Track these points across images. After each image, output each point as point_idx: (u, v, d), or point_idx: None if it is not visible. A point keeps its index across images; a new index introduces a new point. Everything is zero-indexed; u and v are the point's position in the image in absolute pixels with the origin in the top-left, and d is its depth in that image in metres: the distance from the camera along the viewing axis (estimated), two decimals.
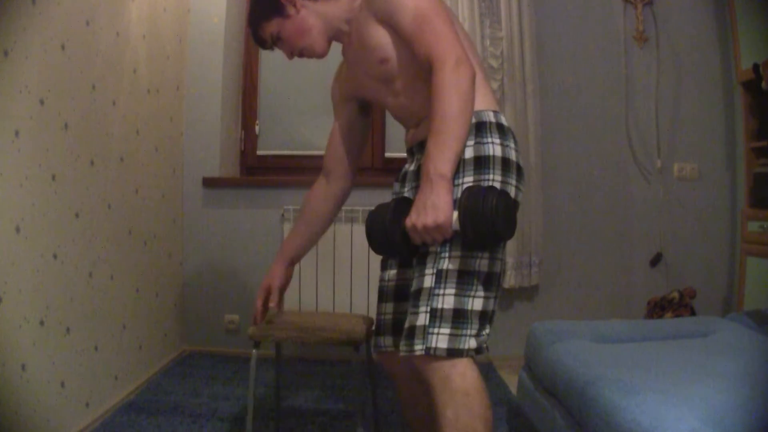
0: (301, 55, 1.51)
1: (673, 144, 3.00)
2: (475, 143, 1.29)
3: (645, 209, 3.01)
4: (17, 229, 1.64)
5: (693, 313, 2.70)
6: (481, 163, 1.27)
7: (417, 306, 1.23)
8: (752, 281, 2.66)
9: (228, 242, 2.96)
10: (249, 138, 3.17)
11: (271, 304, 1.56)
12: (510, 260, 2.85)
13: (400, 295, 1.42)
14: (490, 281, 1.25)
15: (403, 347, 1.23)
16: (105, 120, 2.14)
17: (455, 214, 1.17)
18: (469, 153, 1.28)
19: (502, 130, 1.33)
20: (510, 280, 2.85)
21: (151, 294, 2.59)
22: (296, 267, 2.60)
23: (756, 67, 2.56)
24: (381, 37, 1.37)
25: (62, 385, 1.87)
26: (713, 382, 1.31)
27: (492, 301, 1.26)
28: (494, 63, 2.83)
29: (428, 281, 1.22)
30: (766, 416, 1.16)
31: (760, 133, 2.71)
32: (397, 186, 1.50)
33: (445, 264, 1.22)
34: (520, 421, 2.04)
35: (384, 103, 1.50)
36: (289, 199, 2.88)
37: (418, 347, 1.19)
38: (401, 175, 1.50)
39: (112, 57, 2.18)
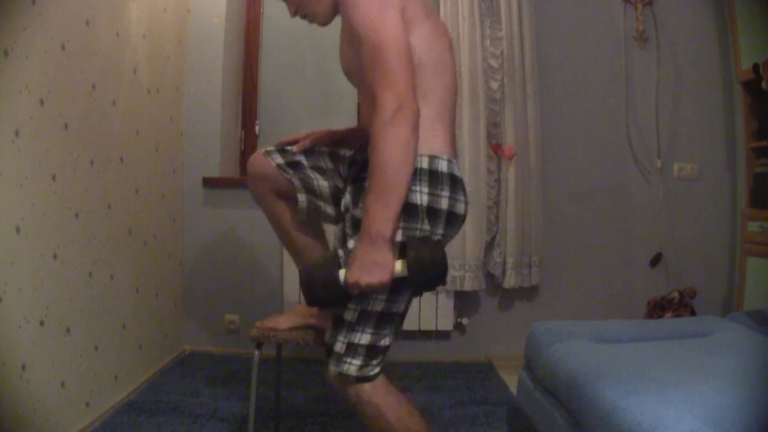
0: (304, 16, 1.47)
1: (673, 144, 3.00)
2: (429, 193, 1.29)
3: (645, 209, 3.01)
4: (17, 229, 1.64)
5: (693, 313, 2.70)
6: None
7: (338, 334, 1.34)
8: (752, 281, 2.66)
9: (228, 242, 2.96)
10: (249, 138, 3.18)
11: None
12: (510, 260, 2.85)
13: None
14: (388, 320, 1.33)
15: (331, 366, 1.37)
16: (105, 120, 2.14)
17: (399, 263, 1.22)
18: (425, 201, 1.29)
19: (434, 177, 1.30)
20: (510, 280, 2.85)
21: (151, 294, 2.59)
22: (296, 267, 2.59)
23: (756, 67, 2.56)
24: (347, 54, 1.38)
25: (62, 385, 1.87)
26: (713, 382, 1.31)
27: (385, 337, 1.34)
28: (494, 63, 2.83)
29: (349, 315, 1.31)
30: (766, 416, 1.16)
31: (760, 133, 2.71)
32: (350, 191, 1.40)
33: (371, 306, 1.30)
34: (520, 421, 2.04)
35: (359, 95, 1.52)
36: None
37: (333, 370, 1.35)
38: (360, 177, 1.39)
39: (112, 57, 2.18)
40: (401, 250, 1.25)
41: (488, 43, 2.83)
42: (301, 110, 3.18)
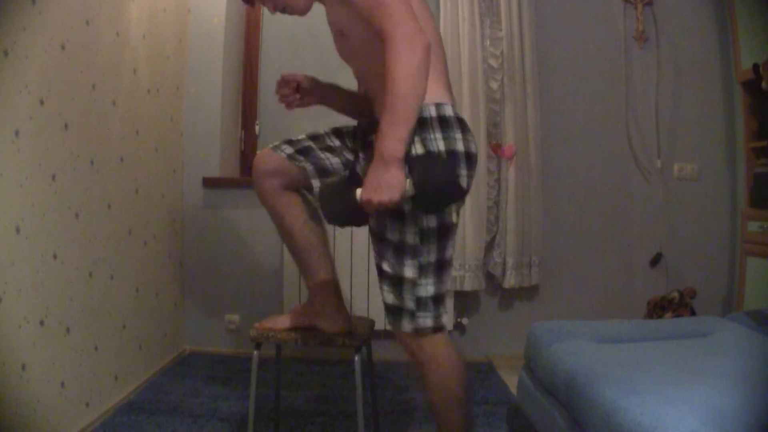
0: (283, 10, 1.50)
1: (673, 144, 3.00)
2: (422, 140, 1.34)
3: (645, 209, 3.01)
4: (17, 229, 1.64)
5: (693, 313, 2.70)
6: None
7: (402, 292, 1.40)
8: (752, 281, 2.66)
9: (228, 242, 2.96)
10: (249, 138, 3.18)
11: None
12: (510, 260, 2.85)
13: None
14: (444, 267, 1.42)
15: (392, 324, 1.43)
16: (105, 120, 2.14)
17: (407, 181, 1.27)
18: (420, 149, 1.34)
19: (444, 122, 1.37)
20: (510, 280, 2.85)
21: (151, 294, 2.59)
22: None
23: (756, 67, 2.56)
24: (340, 13, 1.38)
25: (62, 385, 1.87)
26: (713, 382, 1.31)
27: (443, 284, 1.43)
28: (494, 63, 2.83)
29: (410, 272, 1.38)
30: (766, 416, 1.16)
31: (760, 133, 2.71)
32: (363, 157, 1.48)
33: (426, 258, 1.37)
34: (520, 421, 2.04)
35: (352, 69, 1.54)
36: None
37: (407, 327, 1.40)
38: (368, 142, 1.47)
39: (112, 57, 2.18)
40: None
41: (488, 43, 2.83)
42: (301, 110, 3.17)
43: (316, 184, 1.58)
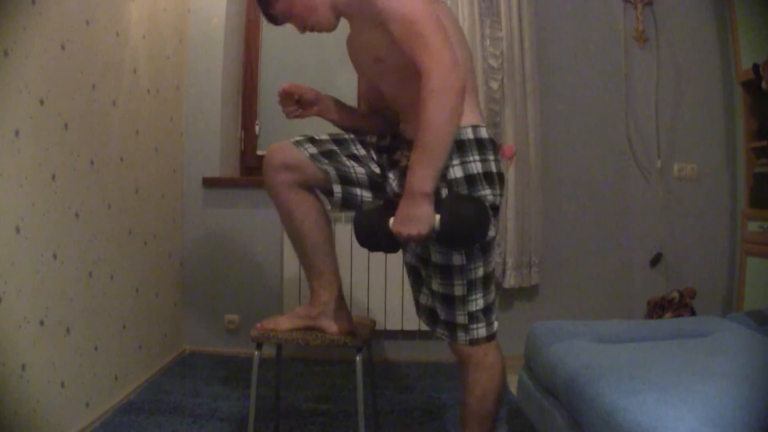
0: (312, 29, 1.54)
1: (673, 144, 3.00)
2: (461, 163, 1.40)
3: (645, 209, 3.01)
4: (17, 229, 1.64)
5: (693, 313, 2.70)
6: (471, 181, 1.40)
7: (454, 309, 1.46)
8: (752, 281, 2.66)
9: (228, 242, 2.96)
10: (249, 138, 3.18)
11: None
12: (510, 260, 2.85)
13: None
14: (489, 280, 1.49)
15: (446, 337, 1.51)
16: (105, 120, 2.14)
17: (437, 217, 1.31)
18: (459, 172, 1.39)
19: (481, 144, 1.42)
20: (510, 280, 2.85)
21: (151, 294, 2.59)
22: (298, 267, 2.61)
23: (756, 67, 2.56)
24: (375, 38, 1.40)
25: (62, 385, 1.87)
26: (713, 382, 1.31)
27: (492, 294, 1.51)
28: (494, 63, 2.83)
29: (459, 290, 1.44)
30: (766, 416, 1.16)
31: (760, 133, 2.71)
32: (393, 177, 1.54)
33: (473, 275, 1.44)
34: (520, 421, 2.04)
35: (379, 88, 1.56)
36: None
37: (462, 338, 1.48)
38: (393, 161, 1.55)
39: (112, 57, 2.18)
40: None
41: (488, 43, 2.83)
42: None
43: (337, 190, 1.55)
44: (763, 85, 2.51)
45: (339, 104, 1.73)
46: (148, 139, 2.53)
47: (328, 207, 1.63)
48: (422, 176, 1.28)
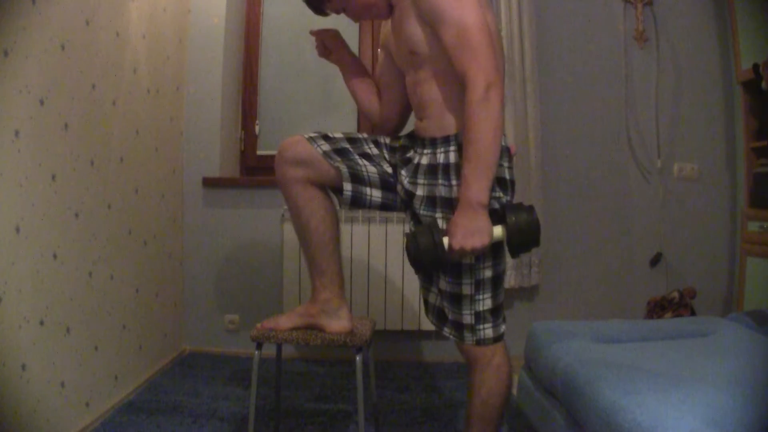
0: (366, 19, 1.62)
1: (673, 144, 3.00)
2: (508, 167, 1.48)
3: (645, 209, 3.01)
4: (17, 229, 1.64)
5: (693, 313, 2.70)
6: (513, 185, 1.50)
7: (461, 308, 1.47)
8: (752, 281, 2.66)
9: (228, 242, 2.96)
10: (249, 138, 3.18)
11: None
12: (510, 260, 2.85)
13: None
14: (499, 281, 1.50)
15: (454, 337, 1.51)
16: (105, 120, 2.14)
17: (498, 228, 1.36)
18: (509, 174, 1.47)
19: (507, 153, 1.47)
20: (510, 280, 2.85)
21: (151, 294, 2.59)
22: (298, 267, 2.61)
23: (756, 67, 2.56)
24: (416, 33, 1.42)
25: (62, 385, 1.87)
26: (713, 382, 1.31)
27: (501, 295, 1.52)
28: None
29: (467, 289, 1.45)
30: (766, 416, 1.16)
31: (760, 133, 2.71)
32: (405, 174, 1.54)
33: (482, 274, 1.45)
34: (520, 421, 2.04)
35: (406, 78, 1.57)
36: None
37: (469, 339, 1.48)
38: (405, 159, 1.56)
39: (112, 57, 2.18)
40: (496, 217, 1.38)
41: None
42: (301, 110, 3.18)
43: (347, 188, 1.56)
44: (763, 85, 2.51)
45: (356, 63, 1.78)
46: (148, 139, 2.53)
47: (338, 207, 1.64)
48: (477, 188, 1.31)
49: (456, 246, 1.33)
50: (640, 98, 3.00)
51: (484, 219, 1.32)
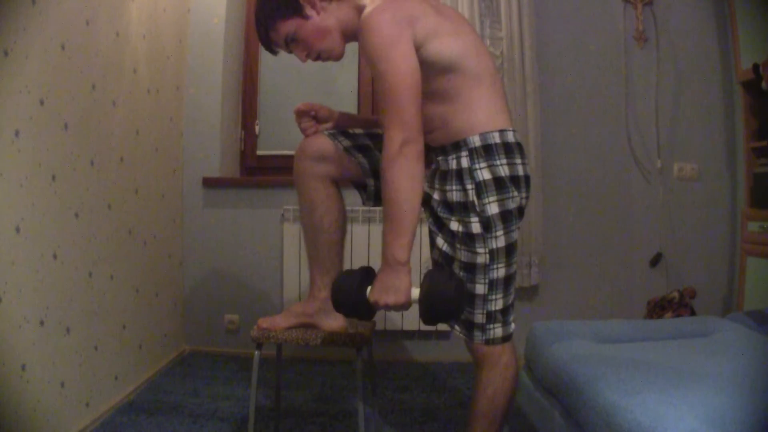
0: (318, 57, 1.54)
1: (673, 144, 3.00)
2: (489, 166, 1.41)
3: (645, 209, 3.01)
4: (17, 229, 1.64)
5: (693, 313, 2.70)
6: (499, 183, 1.41)
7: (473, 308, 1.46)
8: (752, 281, 2.66)
9: (228, 242, 2.96)
10: (249, 138, 3.18)
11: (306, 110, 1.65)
12: None
13: None
14: (511, 281, 1.50)
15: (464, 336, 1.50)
16: (105, 120, 2.14)
17: (415, 291, 1.34)
18: (487, 175, 1.40)
19: (508, 148, 1.43)
20: None
21: (151, 294, 2.59)
22: (298, 267, 2.62)
23: (756, 67, 2.56)
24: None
25: (62, 385, 1.87)
26: (713, 382, 1.31)
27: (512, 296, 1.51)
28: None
29: (481, 288, 1.44)
30: (766, 416, 1.16)
31: (760, 133, 2.71)
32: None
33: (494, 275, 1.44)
34: (520, 421, 2.04)
35: None
36: (289, 199, 2.88)
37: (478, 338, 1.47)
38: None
39: (112, 57, 2.18)
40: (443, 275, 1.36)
41: (488, 43, 2.83)
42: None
43: (371, 183, 1.58)
44: (763, 85, 2.51)
45: (353, 117, 1.75)
46: (148, 139, 2.53)
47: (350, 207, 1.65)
48: (395, 246, 1.31)
49: (371, 299, 1.35)
50: (640, 98, 3.00)
51: (401, 278, 1.32)
